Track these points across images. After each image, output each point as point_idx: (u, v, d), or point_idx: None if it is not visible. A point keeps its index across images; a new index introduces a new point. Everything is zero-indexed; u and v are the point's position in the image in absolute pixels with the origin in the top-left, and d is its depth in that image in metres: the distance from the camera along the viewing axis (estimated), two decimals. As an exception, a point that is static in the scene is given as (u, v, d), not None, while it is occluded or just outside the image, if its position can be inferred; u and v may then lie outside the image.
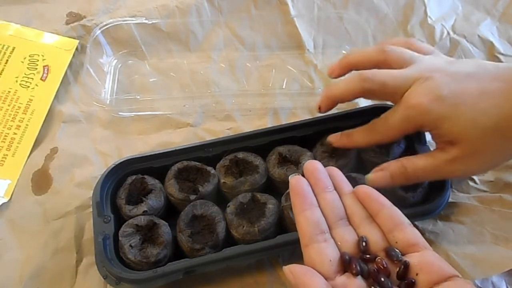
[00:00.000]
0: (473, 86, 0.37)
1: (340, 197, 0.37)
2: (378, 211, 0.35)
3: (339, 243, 0.34)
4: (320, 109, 0.44)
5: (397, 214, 0.35)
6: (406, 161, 0.41)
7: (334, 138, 0.46)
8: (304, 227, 0.34)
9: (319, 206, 0.36)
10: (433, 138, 0.41)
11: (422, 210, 0.44)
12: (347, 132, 0.46)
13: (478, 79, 0.38)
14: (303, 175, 0.37)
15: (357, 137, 0.44)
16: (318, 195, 0.36)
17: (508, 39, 0.62)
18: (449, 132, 0.38)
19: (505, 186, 0.49)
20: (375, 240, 0.34)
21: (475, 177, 0.50)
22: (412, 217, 0.44)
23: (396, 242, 0.33)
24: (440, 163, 0.39)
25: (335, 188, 0.37)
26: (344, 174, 0.46)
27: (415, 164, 0.40)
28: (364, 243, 0.34)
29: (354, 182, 0.44)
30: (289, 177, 0.37)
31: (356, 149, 0.48)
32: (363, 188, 0.37)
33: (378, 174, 0.42)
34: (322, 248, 0.34)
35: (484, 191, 0.49)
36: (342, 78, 0.45)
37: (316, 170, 0.37)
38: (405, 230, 0.34)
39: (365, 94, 0.42)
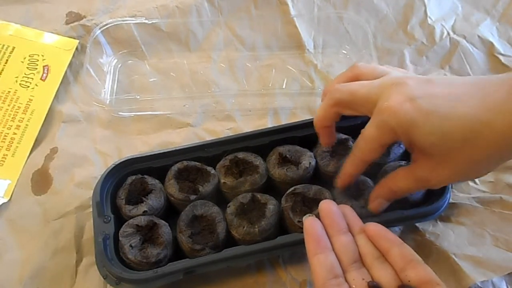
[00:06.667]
0: (447, 91, 0.35)
1: (353, 236, 0.37)
2: (389, 250, 0.35)
3: (353, 286, 0.34)
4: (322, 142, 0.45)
5: (408, 251, 0.35)
6: (391, 183, 0.40)
7: (340, 183, 0.44)
8: (318, 272, 0.35)
9: (333, 248, 0.36)
10: (406, 147, 0.39)
11: (422, 211, 0.44)
12: (341, 170, 0.43)
13: (453, 85, 0.35)
14: (317, 215, 0.38)
15: (348, 167, 0.42)
16: (333, 237, 0.37)
17: (508, 39, 0.62)
18: (419, 141, 0.35)
19: (506, 187, 0.49)
20: (388, 280, 0.34)
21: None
22: (412, 218, 0.45)
23: (409, 281, 0.34)
24: (420, 178, 0.38)
25: (348, 227, 0.38)
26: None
27: (399, 185, 0.40)
28: None
29: (356, 183, 0.45)
30: (303, 218, 0.38)
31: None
32: (372, 226, 0.37)
33: (375, 203, 0.42)
34: None
35: (484, 191, 0.49)
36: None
37: (331, 211, 0.38)
38: (417, 267, 0.34)
39: (339, 108, 0.41)
